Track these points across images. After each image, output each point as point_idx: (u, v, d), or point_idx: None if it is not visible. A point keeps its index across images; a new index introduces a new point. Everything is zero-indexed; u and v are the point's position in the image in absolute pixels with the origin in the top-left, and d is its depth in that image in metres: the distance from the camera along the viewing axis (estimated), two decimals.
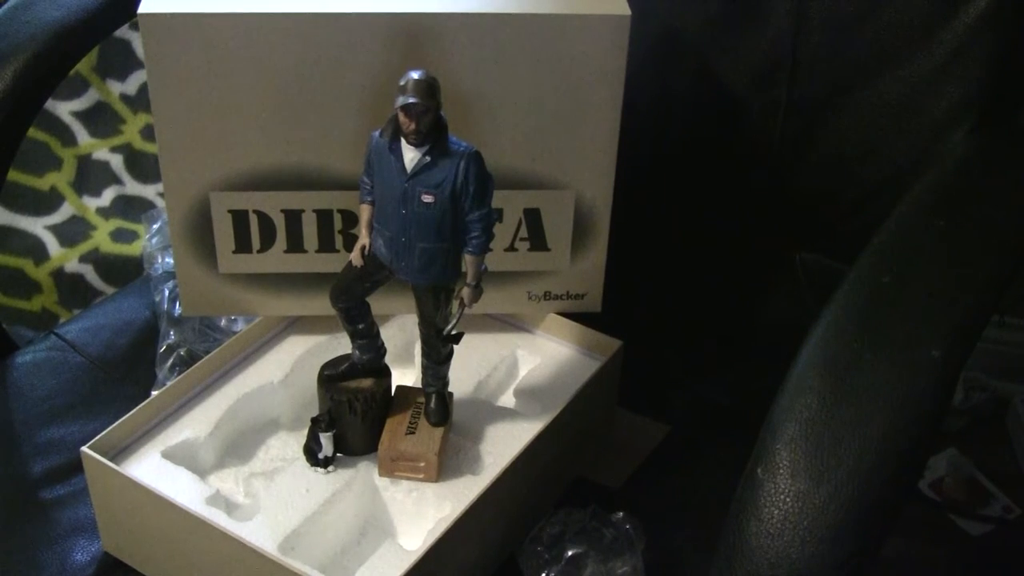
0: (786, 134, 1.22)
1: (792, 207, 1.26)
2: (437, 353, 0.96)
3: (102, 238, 1.62)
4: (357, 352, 0.98)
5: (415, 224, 0.88)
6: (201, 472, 0.98)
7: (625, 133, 1.02)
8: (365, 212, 0.92)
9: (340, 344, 1.06)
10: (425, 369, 0.98)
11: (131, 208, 1.64)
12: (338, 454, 0.98)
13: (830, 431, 0.72)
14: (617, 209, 1.06)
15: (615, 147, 1.02)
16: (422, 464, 0.95)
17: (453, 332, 0.93)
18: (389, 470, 0.96)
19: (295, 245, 1.05)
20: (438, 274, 0.91)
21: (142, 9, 0.93)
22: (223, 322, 1.19)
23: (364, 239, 0.92)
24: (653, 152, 1.25)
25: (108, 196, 1.65)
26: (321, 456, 0.96)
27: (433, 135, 0.86)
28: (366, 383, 0.98)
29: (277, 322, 1.10)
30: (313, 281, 1.07)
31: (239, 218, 1.03)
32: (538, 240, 1.07)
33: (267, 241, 1.05)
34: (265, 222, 1.04)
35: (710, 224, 1.29)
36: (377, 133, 0.89)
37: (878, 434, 0.71)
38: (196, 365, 1.03)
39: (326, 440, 0.96)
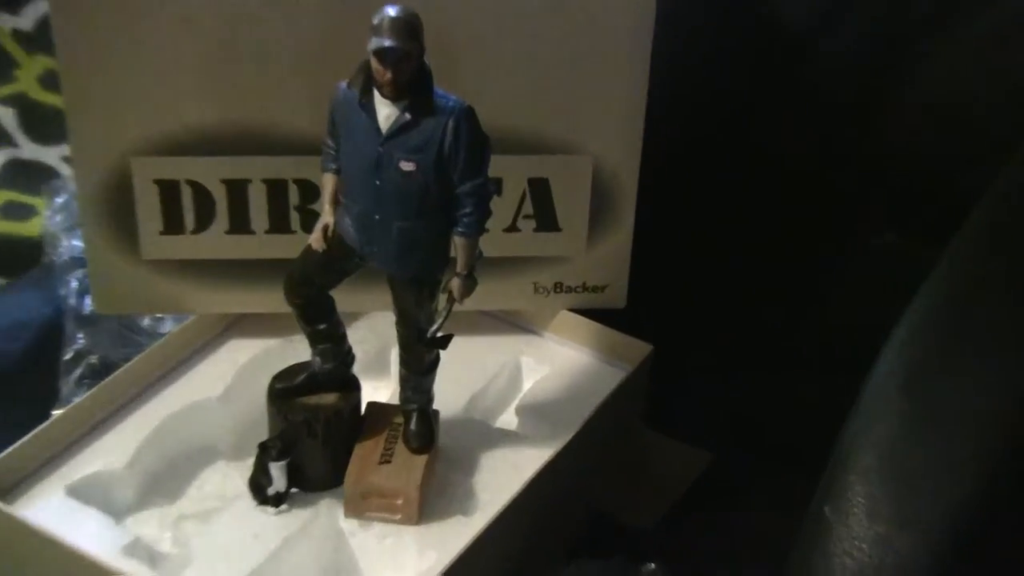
0: (858, 96, 1.21)
1: (862, 181, 1.25)
2: (419, 361, 0.96)
3: None
4: (318, 359, 0.98)
5: (392, 198, 0.88)
6: (117, 513, 0.98)
7: (658, 94, 1.02)
8: (329, 183, 0.92)
9: (296, 350, 1.06)
10: (404, 381, 0.98)
11: (27, 176, 1.63)
12: (293, 489, 0.98)
13: (915, 459, 0.72)
14: (645, 185, 1.06)
15: (643, 103, 1.03)
16: (399, 502, 0.95)
17: (439, 334, 0.94)
18: (358, 509, 0.96)
19: (240, 224, 1.05)
20: (420, 261, 0.91)
21: None
22: (146, 322, 1.19)
23: (327, 217, 0.92)
24: (691, 118, 1.25)
25: None
26: (271, 492, 0.97)
27: (414, 87, 0.86)
28: (329, 399, 0.98)
29: (216, 322, 1.10)
30: (262, 270, 1.07)
31: (168, 190, 1.03)
32: (547, 218, 1.07)
33: (204, 219, 1.05)
34: (201, 195, 1.04)
35: (758, 205, 1.29)
36: (344, 85, 0.89)
37: (975, 462, 0.72)
38: (111, 377, 1.03)
39: (278, 472, 0.96)
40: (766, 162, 1.29)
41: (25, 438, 0.97)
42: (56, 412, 1.03)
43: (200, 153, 1.02)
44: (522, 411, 1.05)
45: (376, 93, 0.87)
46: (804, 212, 1.29)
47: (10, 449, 0.96)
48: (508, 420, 1.07)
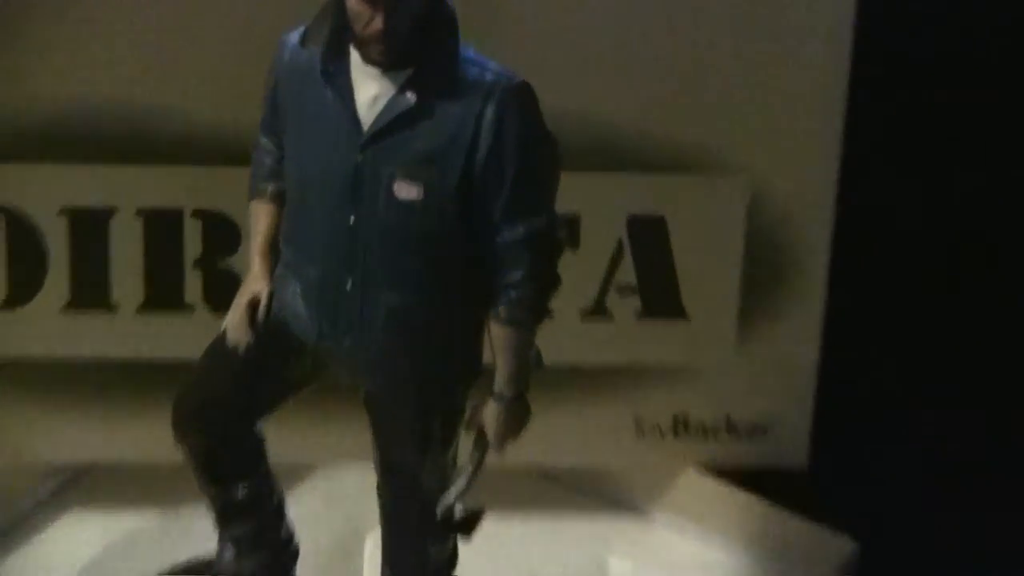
0: None
1: None
2: (419, 559, 0.94)
3: None
4: (229, 552, 0.96)
5: (379, 249, 0.88)
6: None
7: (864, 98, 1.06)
8: (263, 219, 0.92)
9: (187, 532, 1.06)
10: None
11: None
12: None
13: None
14: (841, 247, 1.10)
15: (842, 102, 1.06)
16: None
17: (460, 509, 0.92)
18: None
19: (91, 293, 1.06)
20: (427, 368, 0.90)
21: None
22: None
23: (260, 280, 0.92)
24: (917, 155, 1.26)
25: None
26: None
27: (424, 45, 0.86)
28: None
29: (41, 479, 1.11)
30: (130, 381, 1.08)
31: None
32: (662, 293, 1.07)
33: (27, 282, 1.06)
34: (24, 236, 1.05)
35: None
36: (294, 37, 0.89)
37: None
38: None
39: None
40: None
41: None
42: None
43: (29, 159, 1.02)
44: None
45: (354, 55, 0.87)
46: None
47: None
48: None
